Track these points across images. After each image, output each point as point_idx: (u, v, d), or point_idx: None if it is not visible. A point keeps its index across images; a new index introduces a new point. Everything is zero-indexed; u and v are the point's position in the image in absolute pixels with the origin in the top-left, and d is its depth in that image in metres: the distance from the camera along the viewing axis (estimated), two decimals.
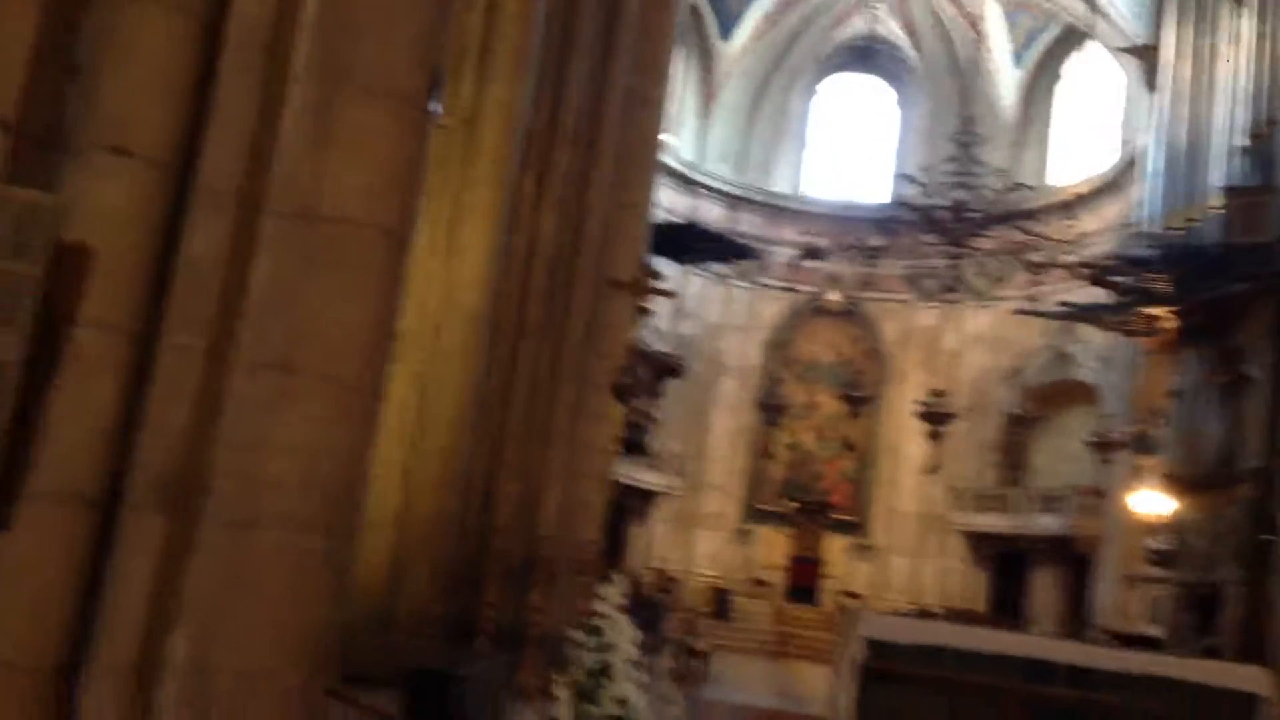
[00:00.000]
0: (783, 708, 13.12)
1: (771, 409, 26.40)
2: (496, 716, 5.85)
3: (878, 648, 7.61)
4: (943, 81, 31.52)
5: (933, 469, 16.95)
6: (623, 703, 5.08)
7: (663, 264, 22.78)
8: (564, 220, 11.19)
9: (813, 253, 17.88)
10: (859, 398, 14.33)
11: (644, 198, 12.18)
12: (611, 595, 5.26)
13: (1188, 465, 16.53)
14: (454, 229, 10.76)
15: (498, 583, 10.69)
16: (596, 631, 5.21)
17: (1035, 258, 17.06)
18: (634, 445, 16.98)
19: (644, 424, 16.09)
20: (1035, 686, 7.49)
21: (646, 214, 12.38)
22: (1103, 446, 15.15)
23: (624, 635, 5.23)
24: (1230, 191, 15.22)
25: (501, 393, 11.14)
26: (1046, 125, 31.15)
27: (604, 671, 5.11)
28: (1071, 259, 16.99)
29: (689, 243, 17.26)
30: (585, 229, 11.08)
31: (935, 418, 14.76)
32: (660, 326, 29.40)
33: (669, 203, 28.12)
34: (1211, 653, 14.36)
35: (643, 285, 9.72)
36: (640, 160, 11.97)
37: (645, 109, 12.60)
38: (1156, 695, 7.49)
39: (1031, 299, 22.88)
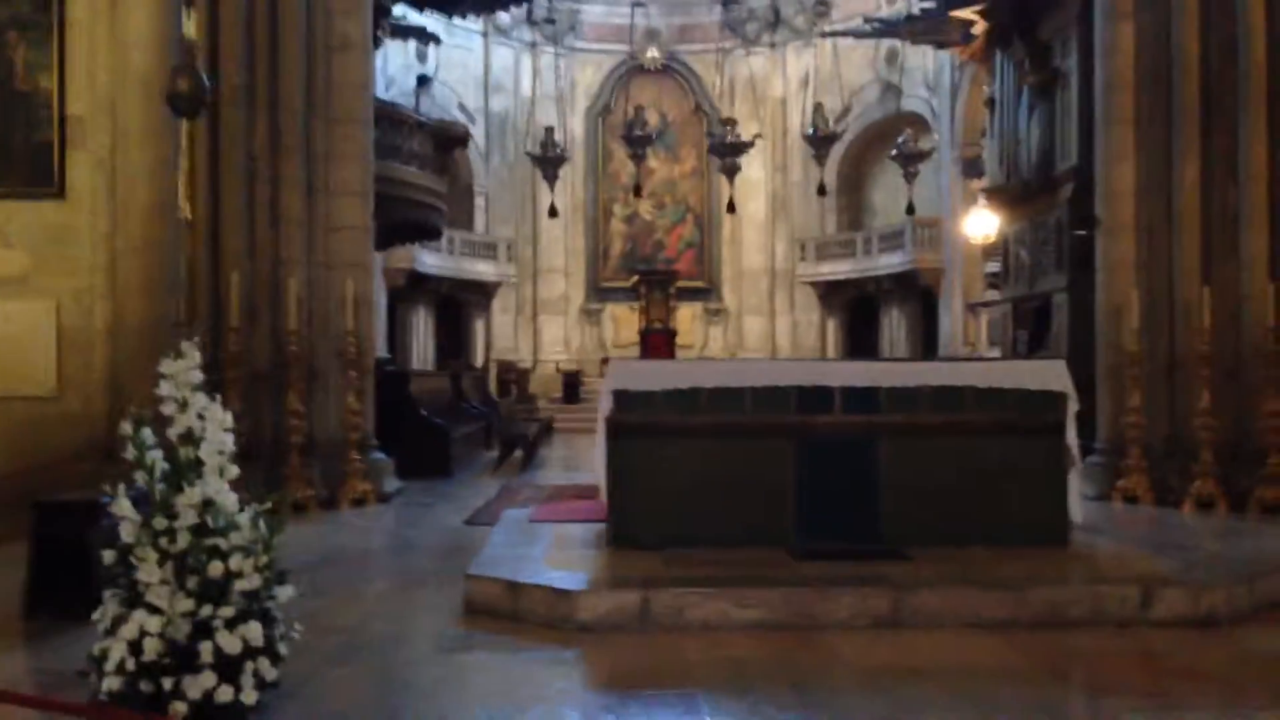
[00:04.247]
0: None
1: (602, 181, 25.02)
2: None
3: (627, 399, 6.56)
4: None
5: (730, 208, 15.92)
6: (207, 506, 3.83)
7: (436, 25, 20.66)
8: None
9: None
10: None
11: None
12: (180, 371, 3.90)
13: (1010, 176, 15.71)
14: None
15: (240, 390, 9.34)
16: (161, 423, 3.90)
17: None
18: (427, 228, 15.45)
19: (431, 203, 14.51)
20: (807, 417, 6.55)
21: None
22: (908, 159, 14.18)
23: (211, 419, 3.93)
24: None
25: (210, 171, 9.50)
26: None
27: (184, 471, 3.83)
28: None
29: None
30: None
31: (727, 149, 13.58)
32: (466, 103, 27.39)
33: None
34: None
35: None
36: None
37: None
38: (947, 408, 6.62)
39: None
